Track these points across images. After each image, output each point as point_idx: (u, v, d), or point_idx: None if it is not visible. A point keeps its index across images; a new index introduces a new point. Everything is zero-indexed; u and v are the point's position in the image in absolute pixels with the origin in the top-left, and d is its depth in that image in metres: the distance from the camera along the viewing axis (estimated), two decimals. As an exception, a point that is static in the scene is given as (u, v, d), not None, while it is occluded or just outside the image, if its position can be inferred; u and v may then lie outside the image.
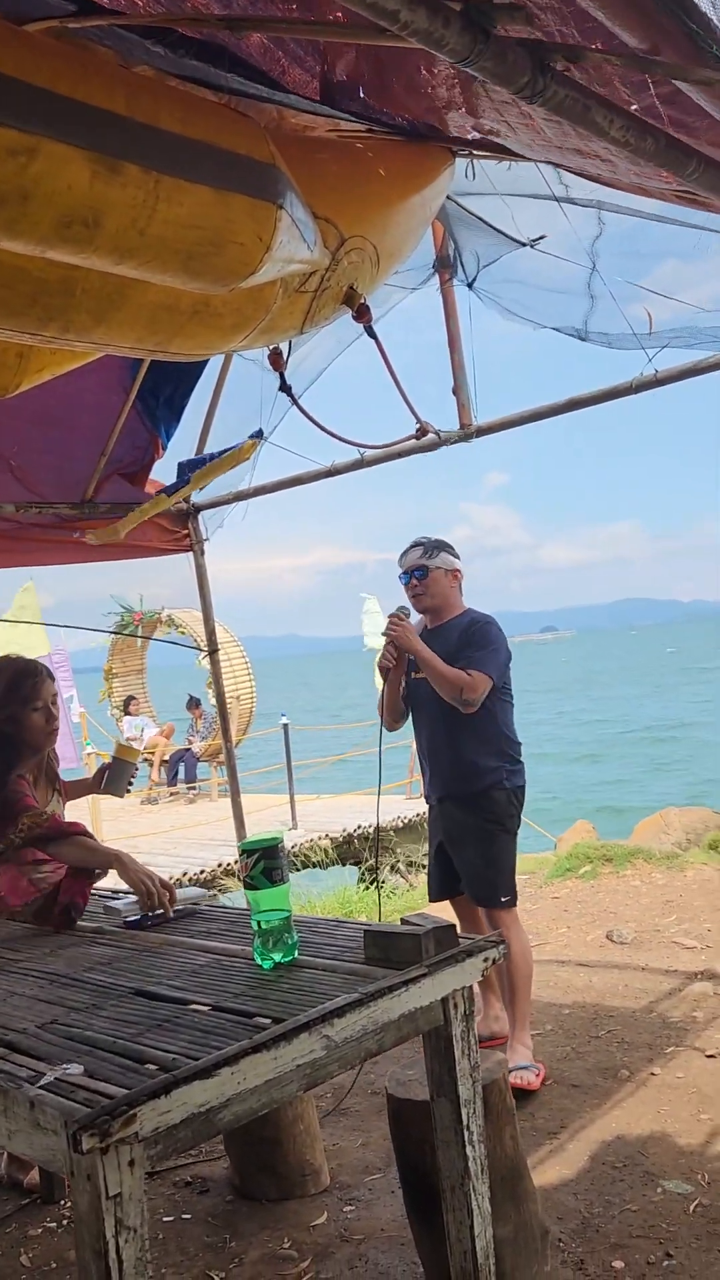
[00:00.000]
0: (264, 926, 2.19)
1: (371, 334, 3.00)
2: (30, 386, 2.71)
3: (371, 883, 8.58)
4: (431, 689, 3.68)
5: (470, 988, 2.11)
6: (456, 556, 3.89)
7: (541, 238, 3.45)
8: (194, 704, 15.14)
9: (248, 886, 2.19)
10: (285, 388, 3.25)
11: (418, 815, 10.34)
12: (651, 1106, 3.33)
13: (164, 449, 4.56)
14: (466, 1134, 2.08)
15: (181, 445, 4.63)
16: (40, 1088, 1.61)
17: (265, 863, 2.17)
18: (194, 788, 14.54)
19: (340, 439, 3.53)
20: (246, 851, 2.19)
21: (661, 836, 7.52)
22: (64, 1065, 1.69)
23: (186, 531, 5.22)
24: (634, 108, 1.74)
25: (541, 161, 2.61)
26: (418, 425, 3.95)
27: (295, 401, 3.28)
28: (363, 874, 9.63)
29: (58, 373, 2.75)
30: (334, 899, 7.40)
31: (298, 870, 9.57)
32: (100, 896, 2.98)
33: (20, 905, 2.86)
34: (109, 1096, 1.53)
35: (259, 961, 2.19)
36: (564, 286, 3.48)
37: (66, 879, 2.82)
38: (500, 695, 3.73)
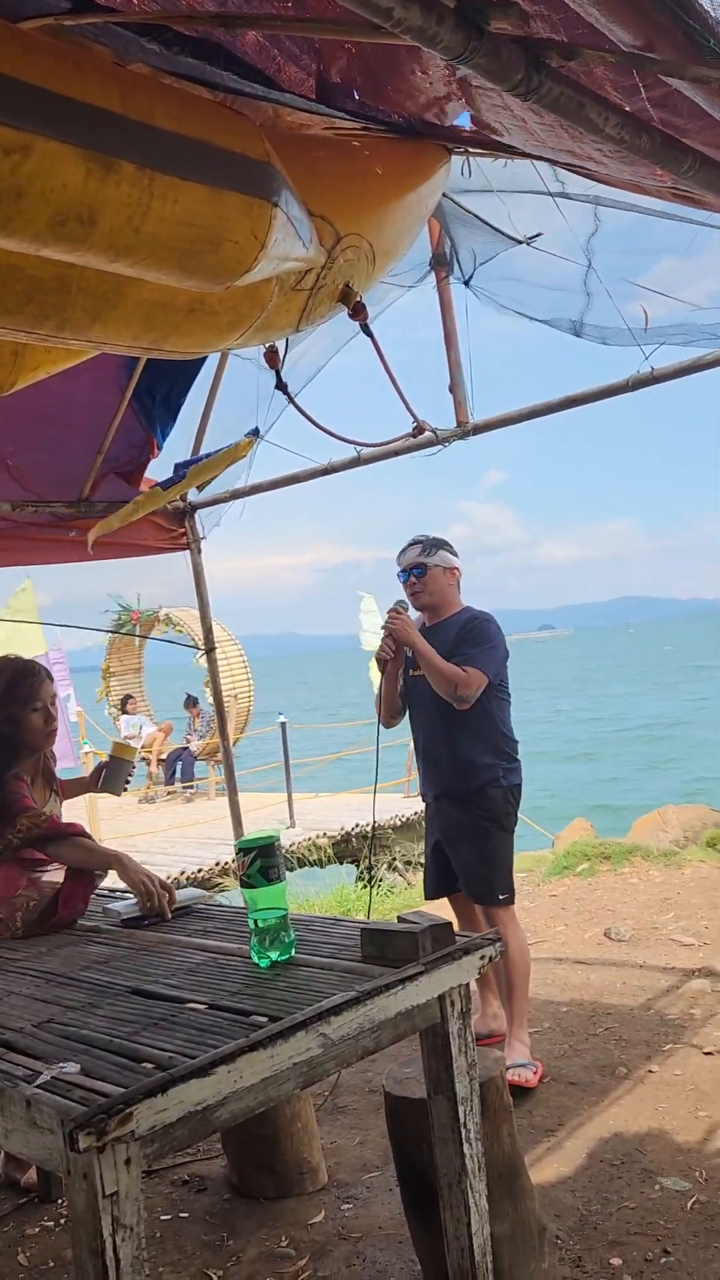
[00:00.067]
0: (261, 925, 2.18)
1: (367, 332, 3.00)
2: (25, 385, 2.71)
3: (368, 880, 8.58)
4: (429, 686, 3.68)
5: (467, 985, 2.11)
6: (455, 554, 3.89)
7: (538, 235, 3.45)
8: (191, 703, 15.14)
9: (244, 885, 2.19)
10: (281, 386, 3.25)
11: (415, 813, 10.34)
12: (649, 1104, 3.33)
13: (160, 448, 4.56)
14: (463, 1131, 2.08)
15: (178, 444, 4.64)
16: (36, 1086, 1.61)
17: (262, 861, 2.17)
18: (191, 786, 14.54)
19: (337, 437, 3.53)
20: (243, 850, 2.19)
21: (659, 834, 7.52)
22: (60, 1064, 1.69)
23: (183, 530, 5.22)
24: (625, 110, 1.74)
25: (537, 159, 2.61)
26: (414, 423, 3.95)
27: (291, 400, 3.28)
28: (360, 872, 9.64)
29: (53, 371, 2.74)
30: (332, 897, 7.40)
31: (293, 870, 9.57)
32: (99, 897, 2.98)
33: (16, 894, 2.83)
34: (105, 1095, 1.53)
35: (256, 960, 2.19)
36: (560, 284, 3.48)
37: (66, 880, 2.82)
38: (497, 693, 3.73)
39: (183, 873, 9.14)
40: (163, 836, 11.23)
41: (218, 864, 9.40)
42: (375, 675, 3.98)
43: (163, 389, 4.33)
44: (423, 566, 3.81)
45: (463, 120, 2.52)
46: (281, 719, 12.27)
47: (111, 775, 3.25)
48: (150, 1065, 1.65)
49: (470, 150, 2.83)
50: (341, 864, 10.26)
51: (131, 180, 1.77)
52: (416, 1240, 2.41)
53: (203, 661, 5.94)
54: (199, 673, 11.79)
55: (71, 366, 2.79)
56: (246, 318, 2.36)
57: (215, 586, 5.51)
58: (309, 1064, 1.76)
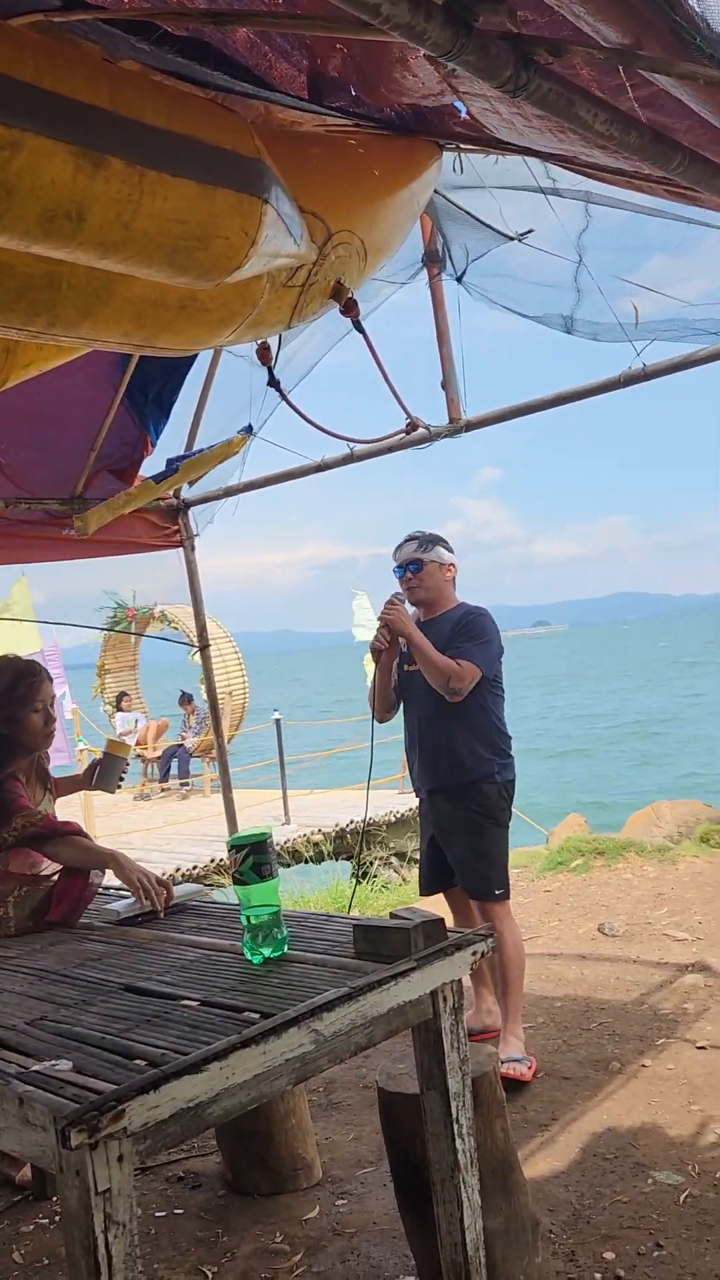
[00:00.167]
0: (254, 921, 2.19)
1: (359, 328, 3.00)
2: (17, 382, 2.70)
3: (362, 876, 8.59)
4: (424, 681, 3.69)
5: (459, 981, 2.11)
6: (451, 551, 3.90)
7: (529, 232, 3.45)
8: (186, 699, 15.14)
9: (237, 882, 2.19)
10: (274, 382, 3.25)
11: (409, 810, 10.35)
12: (642, 1098, 3.34)
13: (153, 445, 4.56)
14: (456, 1127, 2.09)
15: (171, 441, 4.63)
16: (29, 1084, 1.61)
17: (254, 858, 2.17)
18: (186, 783, 14.55)
19: (330, 434, 3.52)
20: (235, 847, 2.19)
21: (653, 829, 7.54)
22: (53, 1061, 1.70)
23: (177, 527, 5.22)
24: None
25: (528, 154, 2.61)
26: (407, 420, 3.95)
27: (284, 396, 3.27)
28: (354, 869, 9.66)
29: (45, 368, 2.73)
30: (326, 894, 7.41)
31: (288, 866, 9.58)
32: (100, 895, 2.98)
33: (9, 891, 2.83)
34: (98, 1092, 1.53)
35: (248, 956, 2.19)
36: (552, 280, 3.48)
37: (61, 878, 2.82)
38: (491, 688, 3.74)
39: (178, 869, 9.15)
40: (158, 833, 11.24)
41: (213, 860, 9.41)
42: (369, 668, 3.99)
43: (155, 386, 4.32)
44: (419, 562, 3.82)
45: (460, 107, 2.50)
46: (276, 716, 12.29)
47: (105, 773, 3.25)
48: (143, 1062, 1.66)
49: (462, 147, 2.82)
50: (337, 860, 10.27)
51: (121, 177, 1.77)
52: (410, 1235, 2.41)
53: (198, 659, 5.93)
54: (194, 670, 11.78)
55: (64, 364, 2.79)
56: (238, 314, 2.36)
57: (209, 583, 5.52)
58: (301, 1060, 1.77)
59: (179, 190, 1.87)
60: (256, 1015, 1.82)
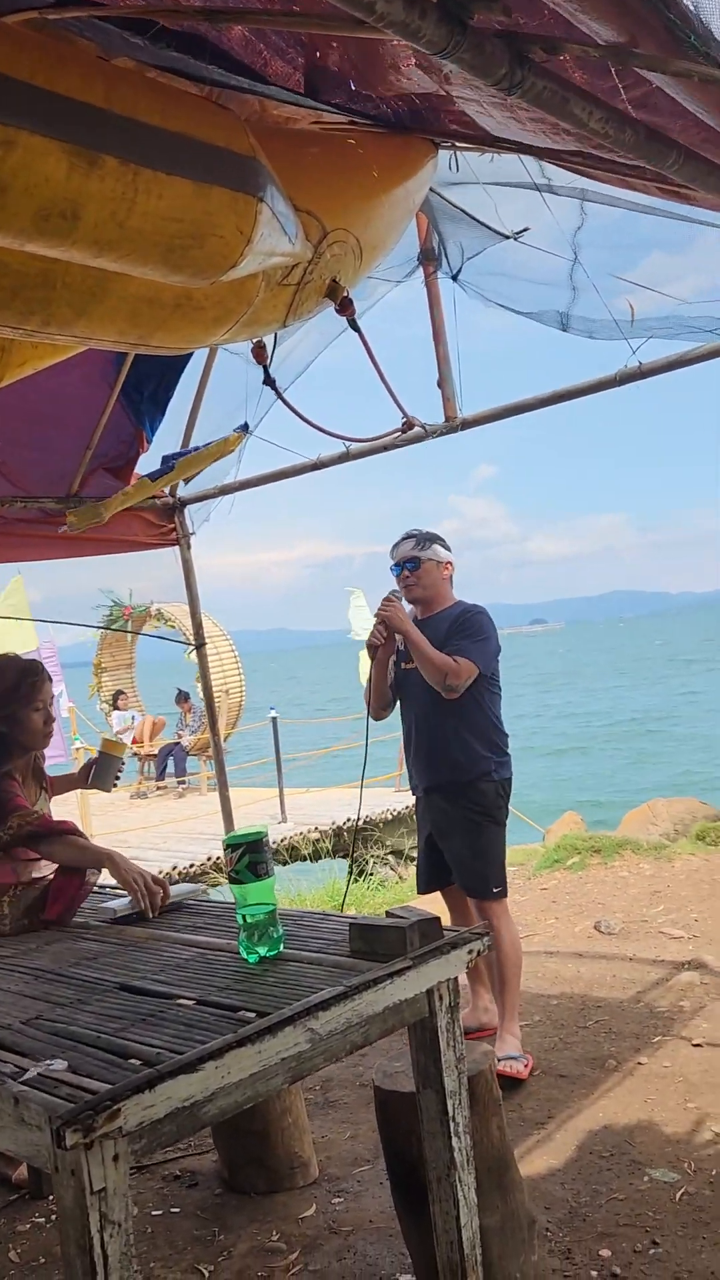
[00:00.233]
0: (249, 920, 2.19)
1: (355, 327, 3.00)
2: (12, 381, 2.70)
3: (359, 874, 8.59)
4: (421, 679, 3.69)
5: (455, 979, 2.11)
6: (448, 549, 3.90)
7: (525, 230, 3.45)
8: (183, 698, 15.13)
9: (233, 880, 2.19)
10: (270, 381, 3.24)
11: (406, 807, 10.36)
12: (639, 1096, 3.35)
13: (149, 443, 4.55)
14: (452, 1125, 2.09)
15: (166, 440, 4.62)
16: (24, 1083, 1.61)
17: (250, 856, 2.17)
18: (183, 782, 14.54)
19: (325, 432, 3.52)
20: (231, 845, 2.19)
21: (649, 827, 7.56)
22: (48, 1060, 1.69)
23: (173, 526, 5.21)
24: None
25: (523, 152, 2.61)
26: (403, 418, 3.95)
27: (280, 395, 3.27)
28: (350, 866, 9.66)
29: (39, 367, 2.73)
30: (323, 892, 7.41)
31: (285, 864, 9.58)
32: (97, 893, 2.98)
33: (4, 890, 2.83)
34: (93, 1092, 1.53)
35: (244, 955, 2.19)
36: (547, 278, 3.48)
37: (57, 877, 2.82)
38: (489, 686, 3.74)
39: (175, 868, 9.15)
40: (155, 832, 11.23)
41: (210, 859, 9.41)
42: (365, 665, 3.99)
43: (151, 384, 4.32)
44: (416, 560, 3.82)
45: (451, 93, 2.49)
46: (273, 714, 12.28)
47: (101, 772, 3.24)
48: (138, 1062, 1.66)
49: (457, 145, 2.82)
50: (333, 858, 10.27)
51: (116, 175, 1.77)
52: (407, 1234, 2.41)
53: (194, 657, 5.93)
54: (191, 668, 11.76)
55: (59, 362, 2.78)
56: (233, 313, 2.36)
57: (206, 582, 5.52)
58: (297, 1059, 1.77)
59: (174, 188, 1.86)
60: (252, 1014, 1.82)
